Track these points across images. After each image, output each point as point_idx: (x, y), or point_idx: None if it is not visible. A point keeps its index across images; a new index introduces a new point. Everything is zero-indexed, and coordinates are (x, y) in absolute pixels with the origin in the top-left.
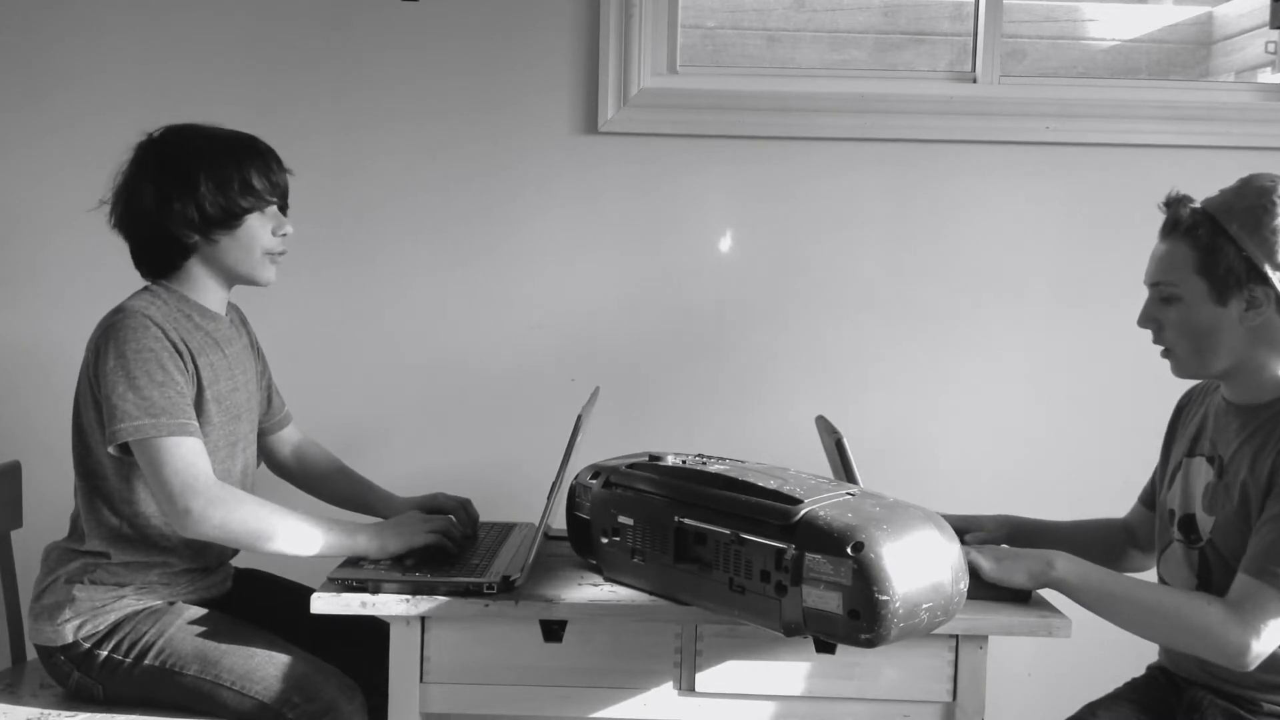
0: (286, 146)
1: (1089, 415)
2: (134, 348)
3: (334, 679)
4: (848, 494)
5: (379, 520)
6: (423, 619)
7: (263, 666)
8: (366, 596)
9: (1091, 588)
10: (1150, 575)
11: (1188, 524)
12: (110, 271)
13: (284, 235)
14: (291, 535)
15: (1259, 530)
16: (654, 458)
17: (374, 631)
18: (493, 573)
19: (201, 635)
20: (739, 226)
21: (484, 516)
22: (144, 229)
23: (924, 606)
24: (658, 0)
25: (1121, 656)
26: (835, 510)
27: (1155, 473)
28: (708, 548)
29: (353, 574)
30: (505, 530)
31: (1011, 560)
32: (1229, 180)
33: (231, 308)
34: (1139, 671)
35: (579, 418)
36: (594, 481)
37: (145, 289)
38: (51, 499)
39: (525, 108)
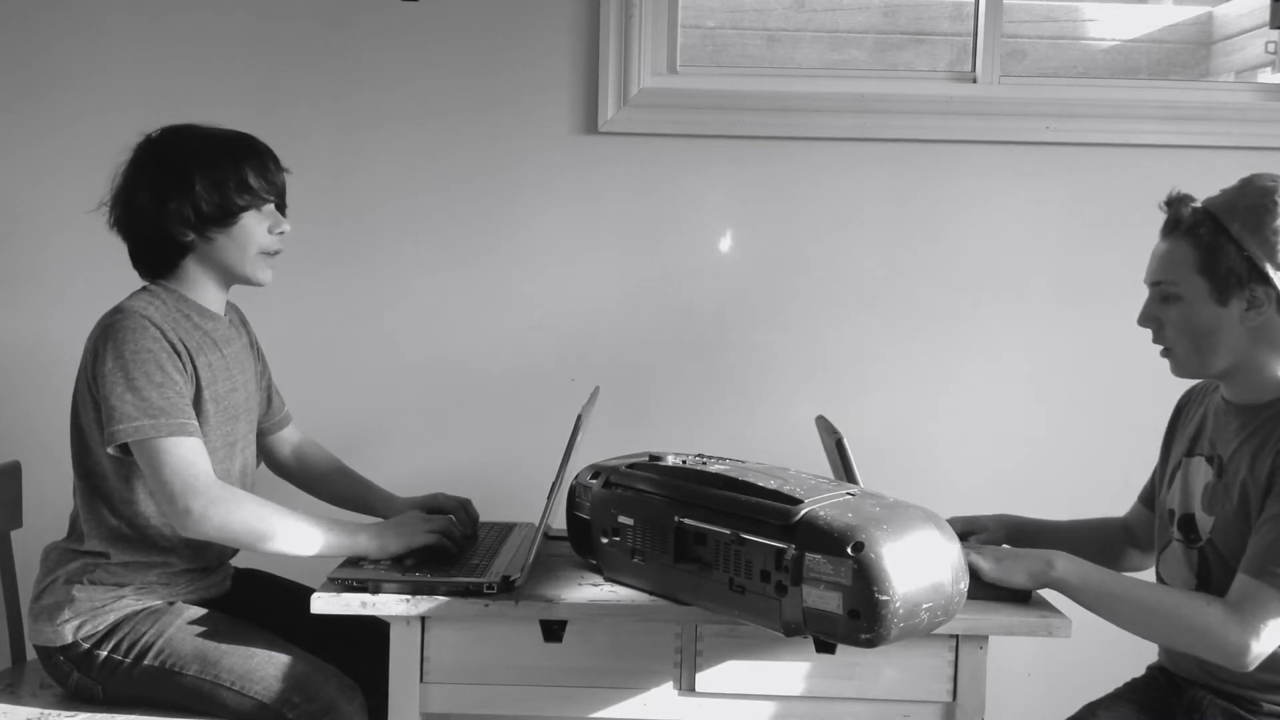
0: (286, 146)
1: (1089, 415)
2: (132, 348)
3: (334, 679)
4: (848, 494)
5: (379, 520)
6: (423, 619)
7: (262, 666)
8: (366, 596)
9: (1091, 588)
10: (1149, 575)
11: (1187, 524)
12: (110, 271)
13: (280, 234)
14: (292, 535)
15: (1258, 530)
16: (654, 458)
17: (374, 631)
18: (493, 573)
19: (201, 635)
20: (739, 226)
21: (484, 516)
22: (141, 228)
23: (924, 606)
24: (658, 0)
25: (1121, 656)
26: (835, 510)
27: (1154, 472)
28: (708, 548)
29: (353, 574)
30: (505, 530)
31: (1011, 560)
32: (1229, 180)
33: (231, 308)
34: (1139, 671)
35: (579, 418)
36: (594, 481)
37: (143, 289)
38: (51, 499)
39: (525, 108)
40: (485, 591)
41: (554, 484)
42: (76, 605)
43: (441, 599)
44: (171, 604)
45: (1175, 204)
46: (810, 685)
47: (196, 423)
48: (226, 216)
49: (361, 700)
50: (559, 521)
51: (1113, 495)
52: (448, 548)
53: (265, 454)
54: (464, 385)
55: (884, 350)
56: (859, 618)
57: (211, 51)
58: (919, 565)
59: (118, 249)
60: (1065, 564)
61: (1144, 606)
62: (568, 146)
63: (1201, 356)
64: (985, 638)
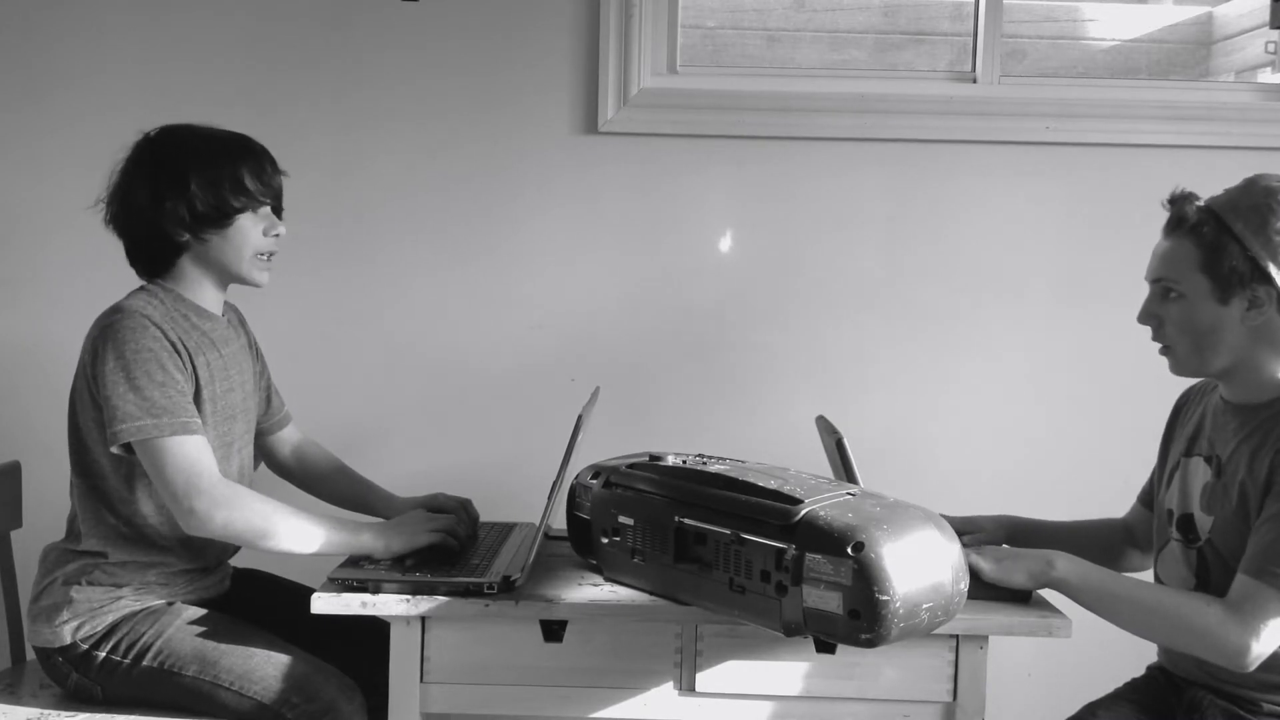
0: (286, 147)
1: (1089, 415)
2: (133, 348)
3: (333, 679)
4: (848, 494)
5: (382, 519)
6: (423, 619)
7: (262, 666)
8: (367, 596)
9: (1091, 588)
10: (1149, 575)
11: (1186, 524)
12: (110, 271)
13: (276, 236)
14: (295, 533)
15: (1258, 530)
16: (654, 458)
17: (374, 631)
18: (493, 573)
19: (200, 635)
20: (739, 226)
21: (484, 516)
22: (137, 227)
23: (924, 606)
24: (658, 0)
25: (1121, 656)
26: (835, 510)
27: (1153, 473)
28: (708, 548)
29: (353, 574)
30: (505, 530)
31: (1011, 560)
32: (1229, 180)
33: (229, 308)
34: (1139, 671)
35: (579, 418)
36: (594, 481)
37: (142, 288)
38: (51, 499)
39: (525, 108)
40: (485, 591)
41: (554, 484)
42: (75, 606)
43: (442, 599)
44: (170, 604)
45: (1179, 202)
46: (810, 685)
47: (199, 420)
48: (222, 217)
49: (361, 700)
50: (559, 521)
51: (1113, 495)
52: (451, 546)
53: (265, 454)
54: (464, 385)
55: (884, 350)
56: (859, 618)
57: (211, 51)
58: (919, 565)
59: (118, 249)
60: (1065, 564)
61: (1144, 607)
62: (568, 146)
63: (1201, 355)
64: (985, 638)
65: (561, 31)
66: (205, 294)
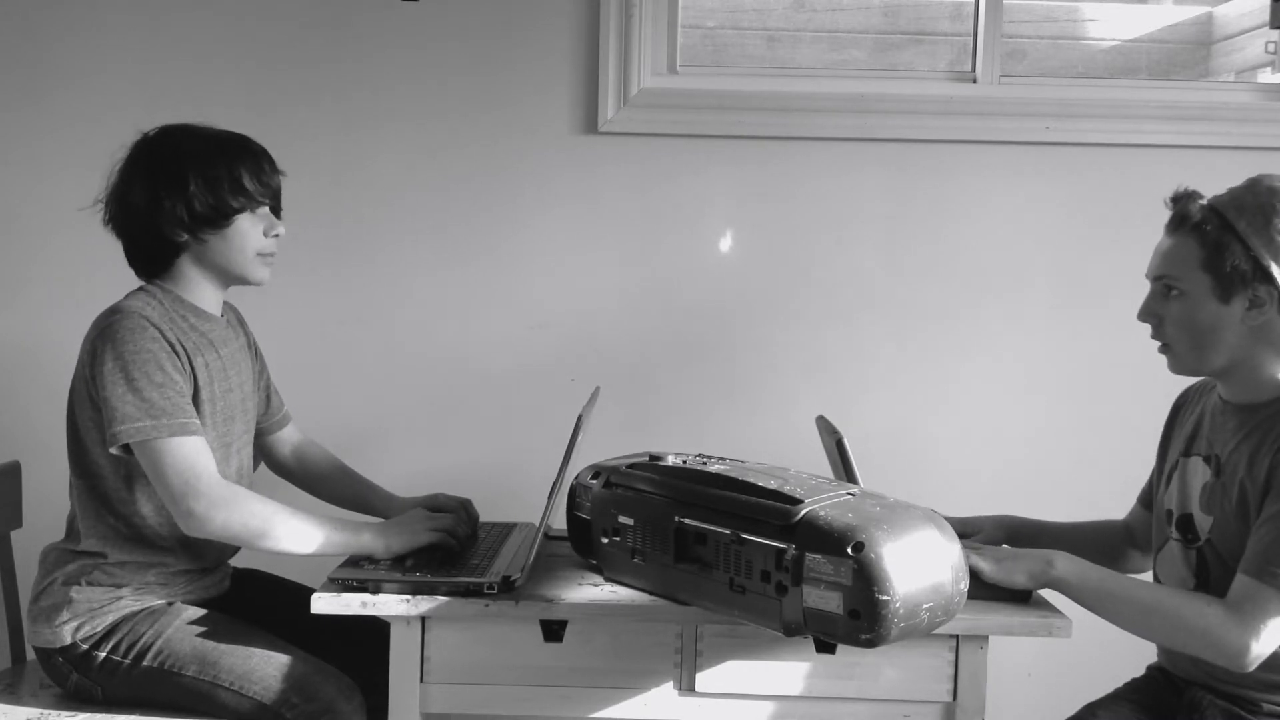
0: (286, 147)
1: (1089, 415)
2: (132, 349)
3: (333, 679)
4: (848, 494)
5: (382, 519)
6: (423, 619)
7: (261, 666)
8: (367, 596)
9: (1091, 587)
10: (1149, 576)
11: (1185, 523)
12: (110, 271)
13: (275, 236)
14: (295, 534)
15: (1257, 530)
16: (654, 458)
17: (374, 631)
18: (493, 573)
19: (200, 636)
20: (739, 226)
21: (484, 516)
22: (135, 227)
23: (924, 606)
24: (658, 0)
25: (1121, 656)
26: (835, 510)
27: (1152, 473)
28: (708, 548)
29: (353, 574)
30: (505, 530)
31: (1011, 561)
32: (1229, 180)
33: (229, 308)
34: (1139, 671)
35: (579, 418)
36: (594, 481)
37: (140, 289)
38: (51, 499)
39: (525, 108)
40: (485, 591)
41: (554, 484)
42: (75, 606)
43: (442, 599)
44: (170, 604)
45: (1182, 200)
46: (810, 685)
47: (198, 421)
48: (220, 218)
49: (360, 700)
50: (559, 521)
51: (1113, 495)
52: (451, 546)
53: (265, 454)
54: (464, 385)
55: (884, 350)
56: (859, 618)
57: (211, 51)
58: (919, 565)
59: (117, 249)
60: (1065, 563)
61: (1143, 607)
62: (568, 146)
63: (1200, 354)
64: (985, 638)
65: (561, 31)
66: (204, 294)
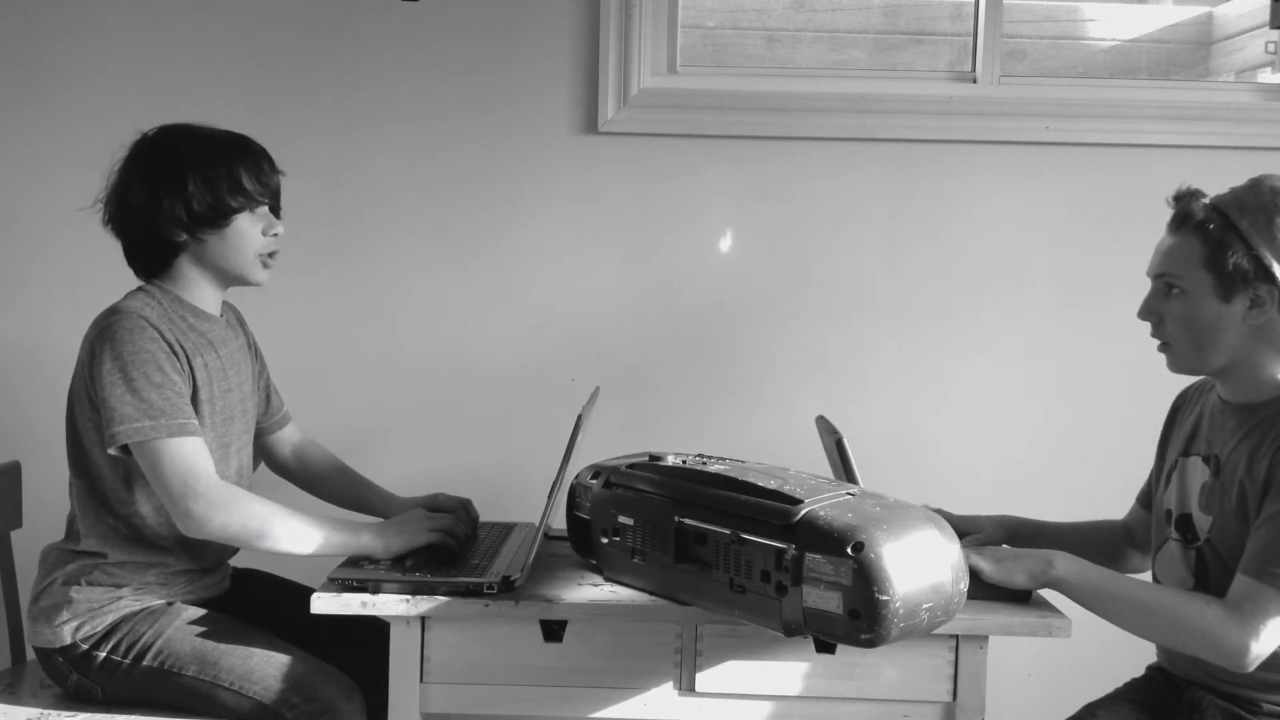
0: (286, 147)
1: (1089, 415)
2: (130, 349)
3: (333, 679)
4: (848, 494)
5: (382, 519)
6: (423, 619)
7: (261, 666)
8: (366, 596)
9: (1090, 587)
10: (1149, 576)
11: (1184, 523)
12: (109, 271)
13: (275, 236)
14: (294, 534)
15: (1257, 530)
16: (654, 458)
17: (374, 631)
18: (493, 573)
19: (200, 635)
20: (739, 226)
21: (484, 516)
22: (134, 227)
23: (924, 606)
24: (658, 0)
25: (1121, 656)
26: (835, 510)
27: (1151, 473)
28: (708, 548)
29: (353, 574)
30: (505, 530)
31: (1011, 560)
32: (1229, 180)
33: (228, 308)
34: (1139, 671)
35: (579, 418)
36: (594, 481)
37: (139, 289)
38: (51, 499)
39: (525, 108)
40: (485, 591)
41: (554, 484)
42: (75, 606)
43: (441, 599)
44: (170, 604)
45: (1185, 199)
46: (810, 685)
47: (197, 421)
48: (219, 218)
49: (360, 700)
50: (559, 521)
51: (1113, 495)
52: (451, 546)
53: (265, 454)
54: (464, 385)
55: (884, 350)
56: (859, 618)
57: (211, 51)
58: (919, 565)
59: (116, 249)
60: (1065, 563)
61: (1143, 606)
62: (568, 146)
63: (1200, 352)
64: (985, 638)
65: (561, 31)
66: (203, 294)
